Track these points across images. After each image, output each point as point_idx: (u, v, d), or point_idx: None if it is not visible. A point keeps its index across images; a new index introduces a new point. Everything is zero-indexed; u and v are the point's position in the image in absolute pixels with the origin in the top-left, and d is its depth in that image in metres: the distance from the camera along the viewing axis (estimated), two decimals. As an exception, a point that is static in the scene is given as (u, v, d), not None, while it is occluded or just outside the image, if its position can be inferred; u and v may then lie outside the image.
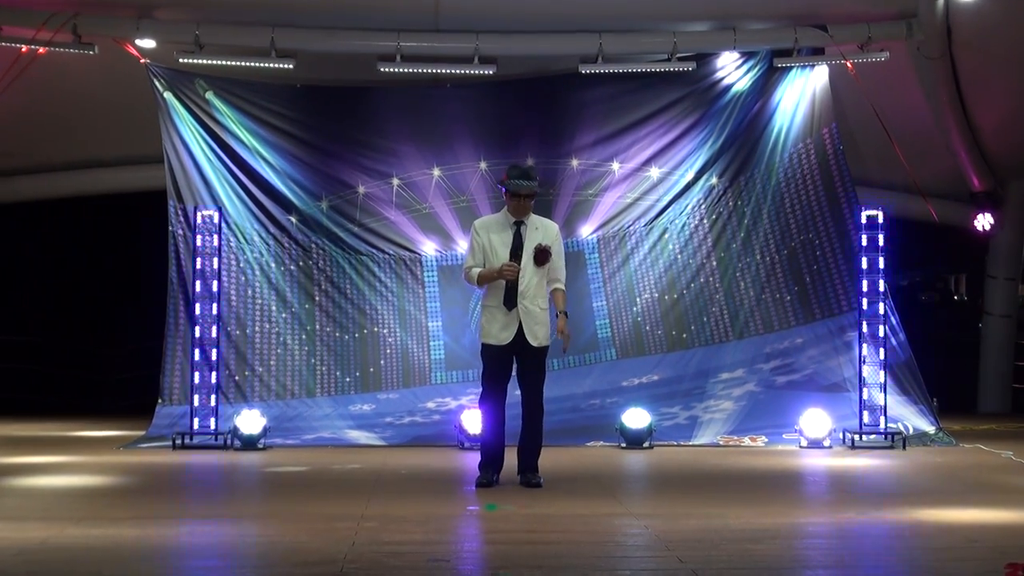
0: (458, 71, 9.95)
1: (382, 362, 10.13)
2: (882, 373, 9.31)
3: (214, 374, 9.27)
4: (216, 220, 9.43)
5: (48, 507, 6.32)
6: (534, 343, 6.71)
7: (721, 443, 9.40)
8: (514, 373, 6.99)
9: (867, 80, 9.95)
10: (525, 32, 9.79)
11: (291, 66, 9.63)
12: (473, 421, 8.70)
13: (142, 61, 9.88)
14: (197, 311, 9.33)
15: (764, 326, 10.18)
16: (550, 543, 5.28)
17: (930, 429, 9.61)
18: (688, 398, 9.88)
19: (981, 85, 10.59)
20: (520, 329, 6.69)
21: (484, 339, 6.83)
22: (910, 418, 9.66)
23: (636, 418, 9.13)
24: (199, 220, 9.40)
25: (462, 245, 10.11)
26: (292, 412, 9.82)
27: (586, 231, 10.39)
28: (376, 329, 10.20)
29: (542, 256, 6.75)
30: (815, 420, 9.18)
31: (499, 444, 6.84)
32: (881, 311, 9.42)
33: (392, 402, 9.97)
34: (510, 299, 6.70)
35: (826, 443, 9.13)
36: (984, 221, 11.92)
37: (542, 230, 6.84)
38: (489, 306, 6.81)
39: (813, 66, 10.16)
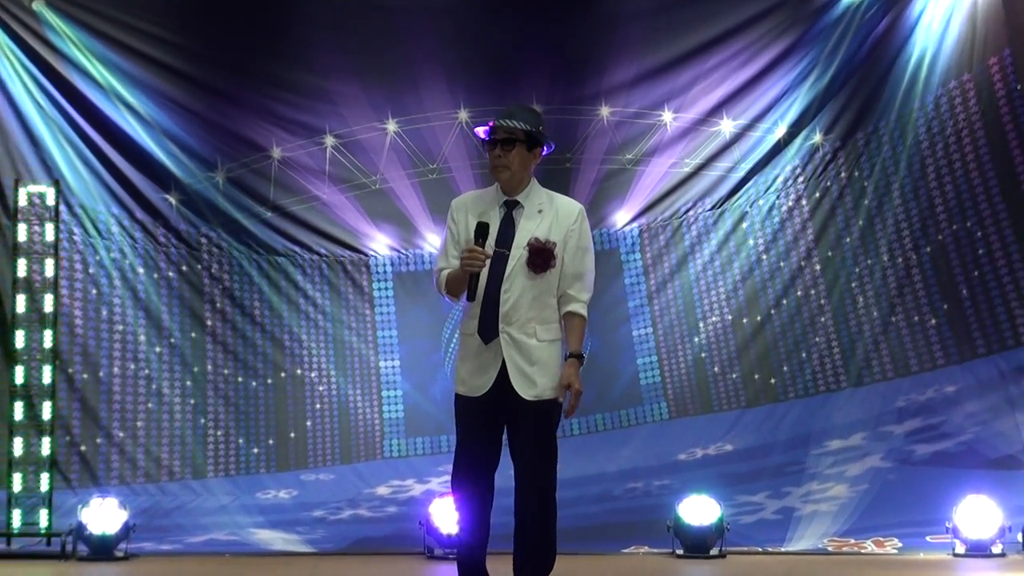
0: (426, -29, 9.91)
1: (309, 424, 10.12)
2: (1083, 440, 9.22)
3: (46, 442, 9.09)
4: (51, 202, 9.28)
5: None
6: (526, 394, 6.49)
7: (831, 549, 9.27)
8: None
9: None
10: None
11: (169, -38, 9.55)
12: (447, 515, 8.60)
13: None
14: (19, 343, 9.15)
15: (895, 367, 10.10)
16: None
17: None
18: (779, 479, 9.79)
19: None
20: (503, 371, 6.51)
21: (456, 386, 6.67)
22: None
23: (699, 510, 9.02)
24: (22, 201, 9.26)
25: (430, 239, 10.09)
26: (170, 502, 9.76)
27: (622, 218, 10.39)
28: (300, 372, 10.21)
29: (540, 258, 6.29)
30: (978, 513, 9.03)
31: (481, 549, 6.59)
32: (1080, 344, 9.36)
33: (325, 486, 9.93)
34: (486, 323, 6.39)
35: (996, 548, 9.00)
36: None
37: (550, 215, 6.39)
38: (465, 334, 6.62)
39: (973, -38, 10.01)
